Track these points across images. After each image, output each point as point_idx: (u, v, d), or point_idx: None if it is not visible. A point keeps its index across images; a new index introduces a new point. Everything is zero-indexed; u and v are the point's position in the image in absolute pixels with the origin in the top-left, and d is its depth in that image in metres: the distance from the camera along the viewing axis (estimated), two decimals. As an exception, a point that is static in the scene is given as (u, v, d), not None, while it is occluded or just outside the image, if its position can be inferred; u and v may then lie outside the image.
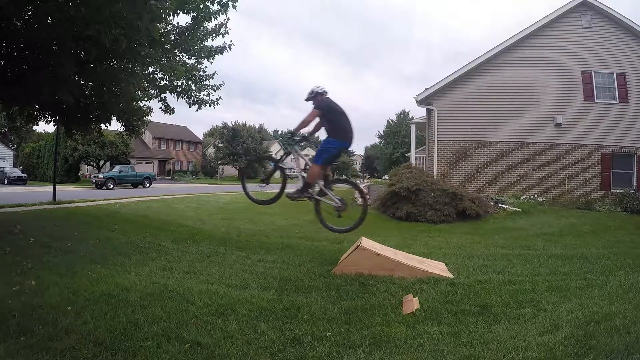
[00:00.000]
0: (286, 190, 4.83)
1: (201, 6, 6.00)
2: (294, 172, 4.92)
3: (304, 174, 4.65)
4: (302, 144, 5.07)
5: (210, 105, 8.15)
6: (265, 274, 4.56)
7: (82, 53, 5.70)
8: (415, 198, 9.88)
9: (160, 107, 8.08)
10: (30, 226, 6.87)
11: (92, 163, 33.23)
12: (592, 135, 12.56)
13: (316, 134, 5.20)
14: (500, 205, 10.90)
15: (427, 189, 9.99)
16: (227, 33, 7.29)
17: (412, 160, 14.21)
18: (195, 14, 6.21)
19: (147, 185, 25.70)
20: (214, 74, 8.27)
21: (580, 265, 5.16)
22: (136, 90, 7.31)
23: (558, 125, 12.56)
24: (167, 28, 6.75)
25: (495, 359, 2.60)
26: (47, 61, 5.51)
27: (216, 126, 57.89)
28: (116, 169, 25.57)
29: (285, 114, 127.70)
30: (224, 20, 7.01)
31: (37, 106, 7.27)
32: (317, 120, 4.58)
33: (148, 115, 8.90)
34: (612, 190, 12.36)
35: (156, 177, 32.51)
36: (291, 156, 4.85)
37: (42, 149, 34.29)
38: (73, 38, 5.02)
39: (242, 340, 2.80)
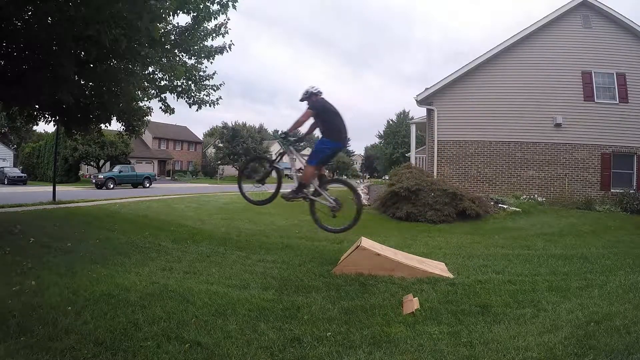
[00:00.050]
0: (281, 191, 4.85)
1: (201, 6, 6.00)
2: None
3: (299, 174, 4.66)
4: (301, 144, 5.08)
5: (210, 105, 8.16)
6: (265, 274, 4.56)
7: (82, 53, 5.70)
8: (415, 198, 9.89)
9: (160, 107, 8.09)
10: (30, 226, 6.87)
11: (92, 163, 33.24)
12: (592, 135, 12.56)
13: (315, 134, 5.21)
14: (500, 205, 10.90)
15: (427, 189, 9.99)
16: (227, 33, 7.30)
17: (412, 160, 14.21)
18: (195, 14, 6.22)
19: (147, 185, 25.70)
20: (214, 74, 8.28)
21: (580, 265, 5.16)
22: (136, 90, 7.31)
23: (558, 125, 12.56)
24: (167, 28, 6.75)
25: (495, 359, 2.60)
26: (47, 61, 5.51)
27: (216, 126, 57.96)
28: (116, 169, 25.57)
29: (285, 114, 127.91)
30: (224, 20, 7.02)
31: (37, 106, 7.27)
32: (312, 120, 4.59)
33: (148, 115, 8.90)
34: (612, 190, 12.37)
35: (156, 177, 32.52)
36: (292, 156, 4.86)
37: (42, 149, 34.29)
38: (73, 38, 5.02)
39: (242, 340, 2.80)
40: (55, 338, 2.67)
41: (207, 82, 8.18)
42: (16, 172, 28.55)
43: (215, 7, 6.21)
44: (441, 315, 3.34)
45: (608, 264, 5.24)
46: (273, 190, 4.88)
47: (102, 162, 32.77)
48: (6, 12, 4.69)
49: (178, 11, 5.53)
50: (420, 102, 13.28)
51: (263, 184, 4.88)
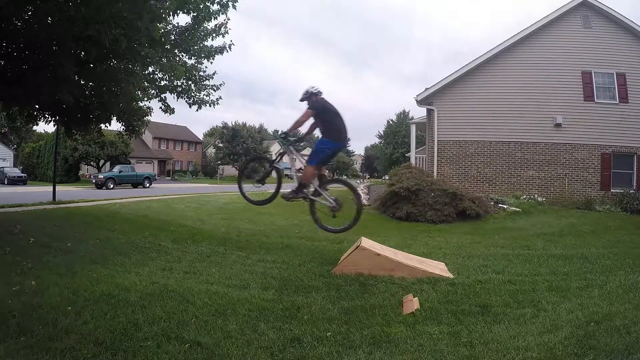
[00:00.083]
0: (281, 191, 4.85)
1: (201, 6, 6.00)
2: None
3: (299, 174, 4.66)
4: (302, 144, 5.09)
5: (210, 105, 8.16)
6: (265, 274, 4.56)
7: (82, 53, 5.70)
8: (415, 198, 9.89)
9: (160, 107, 8.09)
10: (30, 226, 6.87)
11: (92, 163, 33.23)
12: (592, 135, 12.56)
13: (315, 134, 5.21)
14: (500, 205, 10.90)
15: (427, 189, 9.99)
16: (227, 33, 7.30)
17: (412, 160, 14.21)
18: (195, 14, 6.22)
19: (147, 185, 25.70)
20: (214, 74, 8.28)
21: (580, 265, 5.16)
22: (136, 90, 7.31)
23: (558, 125, 12.56)
24: (167, 28, 6.75)
25: (495, 359, 2.60)
26: (47, 61, 5.51)
27: (216, 126, 57.97)
28: (116, 169, 25.57)
29: (285, 114, 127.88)
30: (224, 20, 7.02)
31: (37, 106, 7.27)
32: (312, 120, 4.59)
33: (148, 115, 8.90)
34: (612, 190, 12.37)
35: (156, 177, 32.52)
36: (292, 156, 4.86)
37: (42, 149, 34.30)
38: (73, 38, 5.02)
39: (242, 340, 2.80)
40: (55, 338, 2.67)
41: (207, 82, 8.18)
42: (16, 172, 28.55)
43: (215, 7, 6.21)
44: (441, 315, 3.34)
45: (608, 264, 5.23)
46: (273, 190, 4.88)
47: (102, 162, 32.77)
48: (6, 12, 4.69)
49: (178, 11, 5.53)
50: (420, 102, 13.28)
51: (263, 184, 4.88)
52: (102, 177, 23.23)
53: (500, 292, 3.93)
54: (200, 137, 57.48)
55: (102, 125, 8.70)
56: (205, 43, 7.35)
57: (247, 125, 48.41)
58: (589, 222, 9.20)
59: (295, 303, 3.56)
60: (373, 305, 3.56)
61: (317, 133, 4.83)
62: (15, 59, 5.98)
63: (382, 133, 48.56)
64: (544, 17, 12.84)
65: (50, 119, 7.80)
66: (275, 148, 42.06)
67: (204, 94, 8.14)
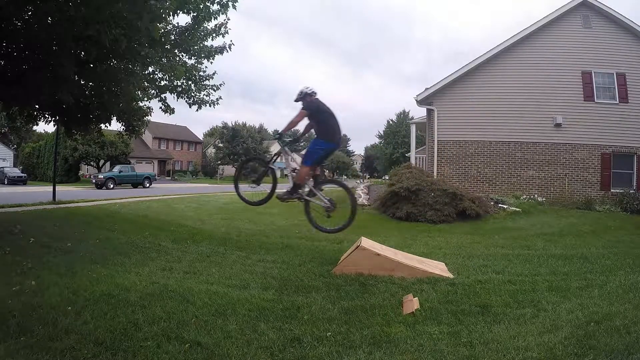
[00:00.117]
0: (277, 191, 4.86)
1: (201, 6, 6.01)
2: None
3: (294, 175, 4.67)
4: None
5: (210, 105, 8.16)
6: (265, 274, 4.57)
7: (82, 53, 5.70)
8: (415, 198, 9.88)
9: (160, 107, 8.09)
10: (30, 226, 6.87)
11: (92, 163, 33.24)
12: (592, 135, 12.56)
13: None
14: (500, 205, 10.90)
15: (427, 189, 9.99)
16: (227, 33, 7.30)
17: (412, 160, 14.22)
18: (195, 14, 6.22)
19: (147, 185, 25.71)
20: (214, 74, 8.28)
21: (580, 265, 5.16)
22: (136, 90, 7.31)
23: (558, 125, 12.56)
24: (167, 28, 6.75)
25: (495, 359, 2.60)
26: (47, 61, 5.51)
27: (216, 126, 58.00)
28: (116, 169, 25.58)
29: (285, 114, 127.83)
30: (224, 20, 7.02)
31: (37, 106, 7.28)
32: (308, 121, 4.61)
33: (148, 115, 8.90)
34: (612, 190, 12.36)
35: (156, 177, 32.52)
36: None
37: (42, 149, 34.30)
38: (73, 38, 5.02)
39: (242, 340, 2.80)
40: (55, 338, 2.67)
41: (207, 82, 8.18)
42: (16, 172, 28.56)
43: (215, 7, 6.22)
44: (441, 315, 3.34)
45: (608, 264, 5.23)
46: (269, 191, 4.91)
47: (102, 162, 32.77)
48: (6, 12, 4.69)
49: (178, 11, 5.53)
50: (420, 102, 13.28)
51: (259, 185, 4.91)
52: (102, 177, 23.24)
53: (500, 292, 3.93)
54: (200, 137, 57.54)
55: (102, 125, 8.71)
56: (205, 43, 7.35)
57: (247, 125, 48.50)
58: (589, 222, 9.20)
59: (295, 303, 3.56)
60: (373, 305, 3.56)
61: (313, 133, 4.84)
62: (15, 59, 5.98)
63: (382, 133, 48.59)
64: (544, 17, 12.84)
65: (50, 119, 7.80)
66: (275, 148, 42.08)
67: (204, 94, 8.14)
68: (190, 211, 10.81)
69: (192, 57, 7.64)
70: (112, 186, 22.87)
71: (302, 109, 4.49)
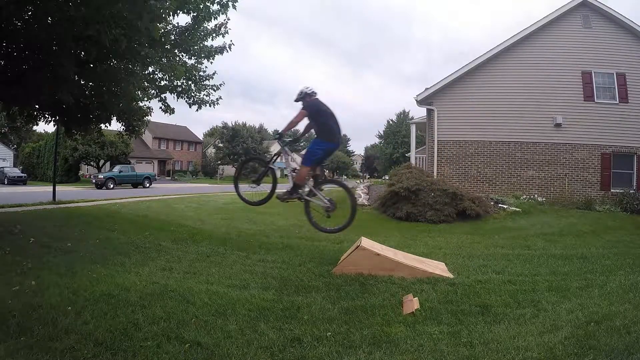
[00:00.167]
0: (277, 191, 4.87)
1: (201, 6, 6.01)
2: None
3: (294, 174, 4.68)
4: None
5: (210, 105, 8.16)
6: (265, 274, 4.57)
7: (82, 53, 5.70)
8: (415, 198, 9.88)
9: (160, 107, 8.09)
10: (30, 226, 6.87)
11: (92, 163, 33.23)
12: (592, 135, 12.56)
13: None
14: (500, 205, 10.90)
15: (427, 189, 9.99)
16: (227, 33, 7.31)
17: (412, 160, 14.21)
18: (195, 14, 6.22)
19: (147, 185, 25.71)
20: (214, 74, 8.28)
21: (580, 265, 5.16)
22: (136, 90, 7.31)
23: (558, 125, 12.56)
24: (167, 28, 6.75)
25: (495, 359, 2.60)
26: (47, 61, 5.51)
27: (216, 126, 58.04)
28: (116, 169, 25.57)
29: (285, 114, 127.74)
30: (224, 20, 7.03)
31: (37, 106, 7.27)
32: (307, 121, 4.61)
33: (148, 115, 8.90)
34: (612, 190, 12.36)
35: (156, 177, 32.53)
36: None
37: (42, 149, 34.29)
38: (73, 38, 5.02)
39: (242, 340, 2.80)
40: (55, 338, 2.67)
41: (207, 82, 8.18)
42: (16, 172, 28.56)
43: (215, 7, 6.22)
44: (441, 315, 3.34)
45: (608, 264, 5.23)
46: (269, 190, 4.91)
47: (102, 162, 32.77)
48: (6, 12, 4.69)
49: (178, 11, 5.53)
50: (420, 102, 13.28)
51: (258, 185, 4.92)
52: (102, 177, 23.24)
53: (500, 292, 3.93)
54: (200, 137, 57.55)
55: (102, 125, 8.71)
56: (205, 43, 7.35)
57: (247, 125, 48.50)
58: (589, 222, 9.20)
59: (295, 303, 3.56)
60: (373, 305, 3.56)
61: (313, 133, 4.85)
62: (15, 59, 5.98)
63: (382, 133, 48.64)
64: (544, 17, 12.84)
65: (50, 119, 7.80)
66: (275, 148, 42.07)
67: (204, 94, 8.14)
68: (191, 211, 10.81)
69: (192, 57, 7.64)
70: (112, 186, 22.87)
71: (302, 109, 4.50)
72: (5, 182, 25.86)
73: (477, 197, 10.34)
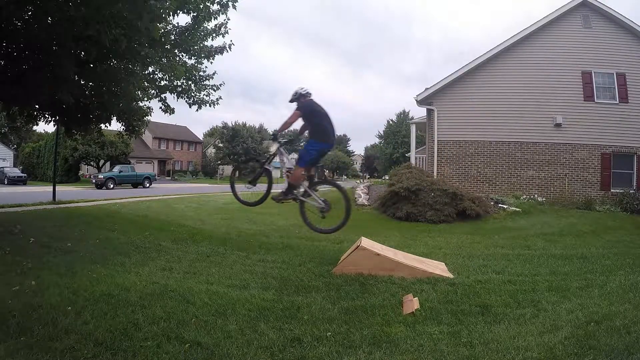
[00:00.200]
0: (272, 191, 4.88)
1: (201, 6, 6.01)
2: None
3: (289, 175, 4.68)
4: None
5: (210, 105, 8.15)
6: (265, 274, 4.56)
7: (82, 53, 5.70)
8: (415, 198, 9.88)
9: (160, 107, 8.08)
10: (30, 226, 6.87)
11: (92, 163, 33.23)
12: (592, 135, 12.56)
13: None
14: (500, 205, 10.90)
15: (427, 189, 9.99)
16: (227, 33, 7.29)
17: (412, 160, 14.21)
18: (195, 14, 6.22)
19: (147, 185, 25.72)
20: (214, 74, 8.27)
21: (580, 265, 5.16)
22: (136, 90, 7.31)
23: (558, 125, 12.56)
24: (167, 28, 6.74)
25: (495, 359, 2.60)
26: (47, 61, 5.51)
27: (216, 126, 57.96)
28: (116, 169, 25.57)
29: (285, 114, 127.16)
30: (224, 20, 7.02)
31: (37, 106, 7.27)
32: (302, 122, 4.62)
33: (148, 115, 8.89)
34: (612, 190, 12.37)
35: (156, 177, 32.52)
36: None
37: (42, 149, 34.29)
38: (73, 38, 5.02)
39: (242, 340, 2.79)
40: (55, 338, 2.67)
41: (207, 82, 8.17)
42: (16, 172, 28.56)
43: (215, 7, 6.22)
44: (441, 315, 3.34)
45: (608, 264, 5.23)
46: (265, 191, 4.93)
47: (102, 162, 32.76)
48: (6, 12, 4.68)
49: (178, 11, 5.54)
50: (420, 102, 13.29)
51: (254, 185, 4.93)
52: (102, 177, 23.24)
53: (500, 292, 3.93)
54: (200, 137, 57.54)
55: (102, 125, 8.70)
56: (205, 43, 7.34)
57: (247, 125, 48.46)
58: (589, 222, 9.20)
59: (295, 303, 3.56)
60: (373, 305, 3.56)
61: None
62: (15, 59, 5.97)
63: (382, 133, 48.66)
64: (544, 17, 12.84)
65: (50, 119, 7.80)
66: (275, 148, 42.08)
67: (204, 94, 8.13)
68: (190, 211, 10.81)
69: (192, 57, 7.63)
70: (112, 186, 22.88)
71: (296, 109, 4.53)
72: (5, 182, 25.85)
73: (477, 197, 10.34)
